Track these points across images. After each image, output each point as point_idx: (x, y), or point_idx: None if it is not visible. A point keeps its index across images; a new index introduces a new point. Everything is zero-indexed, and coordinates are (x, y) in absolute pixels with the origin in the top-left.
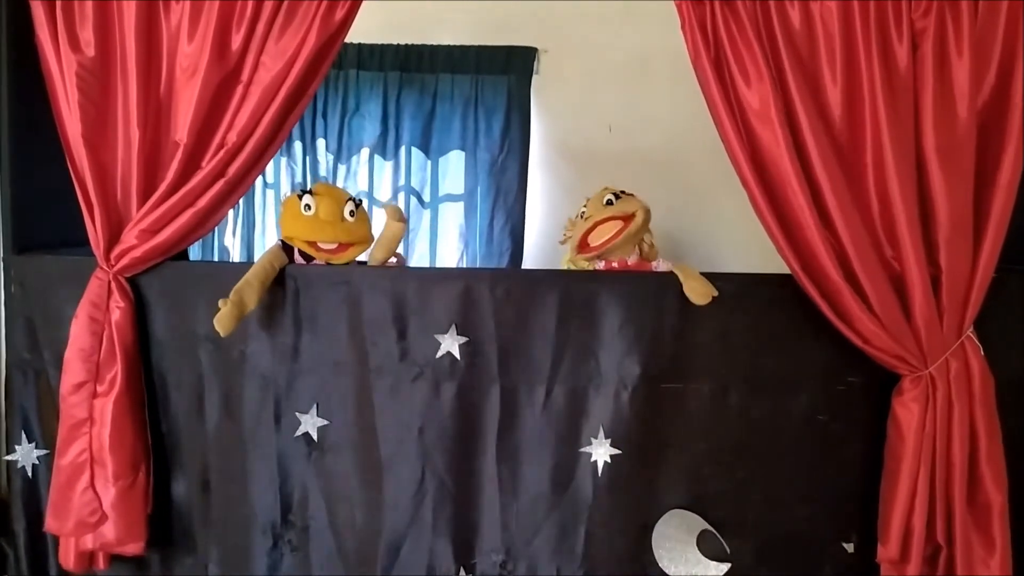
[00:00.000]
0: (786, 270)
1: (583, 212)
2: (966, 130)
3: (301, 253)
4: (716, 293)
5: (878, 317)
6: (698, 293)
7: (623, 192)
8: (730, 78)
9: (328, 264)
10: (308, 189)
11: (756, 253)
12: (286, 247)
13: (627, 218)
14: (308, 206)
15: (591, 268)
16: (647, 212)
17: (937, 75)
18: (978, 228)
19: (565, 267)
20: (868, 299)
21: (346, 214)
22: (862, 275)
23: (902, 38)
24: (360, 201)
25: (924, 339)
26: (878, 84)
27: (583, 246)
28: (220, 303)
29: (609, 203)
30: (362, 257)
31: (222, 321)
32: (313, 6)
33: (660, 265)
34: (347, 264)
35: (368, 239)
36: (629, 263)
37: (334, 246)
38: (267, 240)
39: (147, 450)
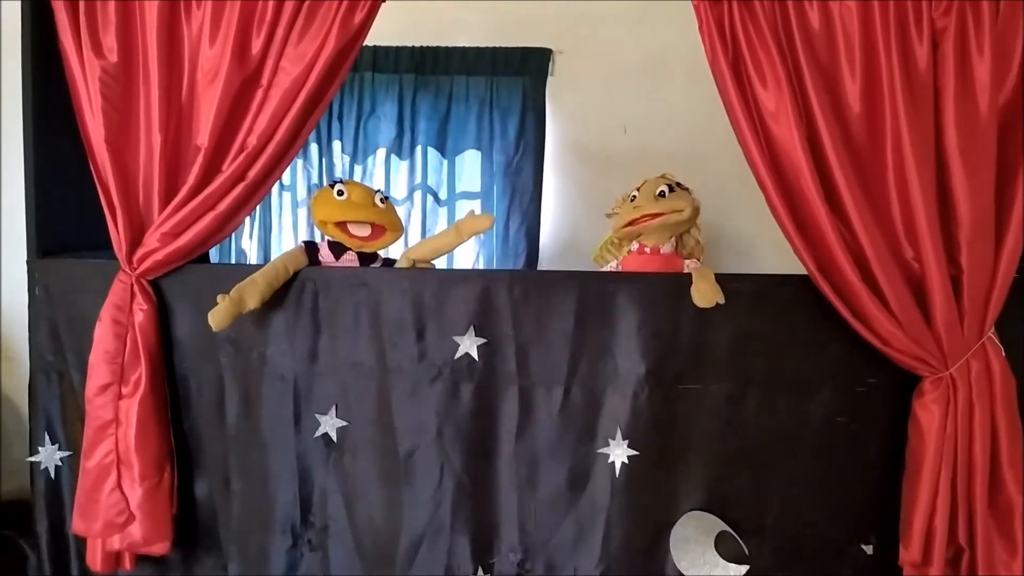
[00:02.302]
0: (803, 271)
1: (634, 195)
2: (987, 129)
3: (331, 245)
4: (723, 301)
5: (897, 318)
6: (704, 296)
7: (679, 185)
8: (747, 79)
9: (360, 252)
10: (340, 180)
11: (773, 254)
12: (310, 250)
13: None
14: (341, 192)
15: (623, 250)
16: (695, 210)
17: (958, 74)
18: (999, 228)
19: (599, 247)
20: (886, 300)
21: (377, 201)
22: (880, 276)
23: (922, 37)
24: (387, 196)
25: (944, 340)
26: (898, 84)
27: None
28: (219, 298)
29: (662, 195)
30: (395, 253)
31: (216, 316)
32: (332, 9)
33: (692, 265)
34: (375, 254)
35: (399, 228)
36: (662, 250)
37: (367, 232)
38: (283, 243)
39: (171, 451)
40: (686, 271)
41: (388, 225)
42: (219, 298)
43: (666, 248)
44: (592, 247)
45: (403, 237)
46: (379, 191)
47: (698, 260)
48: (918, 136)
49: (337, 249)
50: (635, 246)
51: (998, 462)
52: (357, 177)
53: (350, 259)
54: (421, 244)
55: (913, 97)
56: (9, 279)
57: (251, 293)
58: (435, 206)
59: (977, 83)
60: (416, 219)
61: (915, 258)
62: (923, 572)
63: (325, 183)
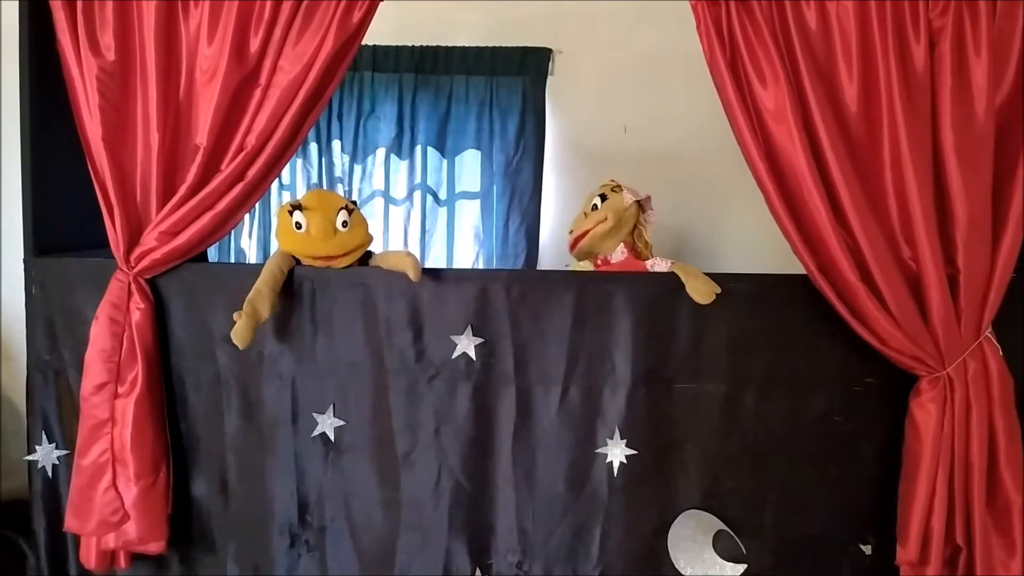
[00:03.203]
0: (802, 271)
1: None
2: (984, 129)
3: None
4: (719, 290)
5: (895, 317)
6: (701, 292)
7: (615, 189)
8: (746, 79)
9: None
10: (298, 203)
11: (772, 253)
12: None
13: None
14: (299, 224)
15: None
16: (618, 214)
17: (955, 74)
18: (996, 227)
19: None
20: (884, 299)
21: (339, 225)
22: (878, 275)
23: (919, 37)
24: (353, 205)
25: (942, 340)
26: (895, 84)
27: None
28: (235, 316)
29: (595, 208)
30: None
31: (239, 334)
32: (331, 9)
33: (657, 264)
34: (349, 267)
35: (366, 240)
36: (611, 260)
37: (326, 256)
38: None
39: (167, 450)
40: (655, 270)
41: (350, 250)
42: (235, 316)
43: (615, 256)
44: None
45: (402, 237)
46: (345, 205)
47: (661, 259)
48: (915, 136)
49: None
50: (599, 261)
51: (996, 462)
52: (356, 178)
53: None
54: (383, 257)
55: (910, 97)
56: (6, 278)
57: (262, 304)
58: (435, 206)
59: (974, 83)
60: (416, 219)
61: (912, 258)
62: (920, 572)
63: (324, 183)
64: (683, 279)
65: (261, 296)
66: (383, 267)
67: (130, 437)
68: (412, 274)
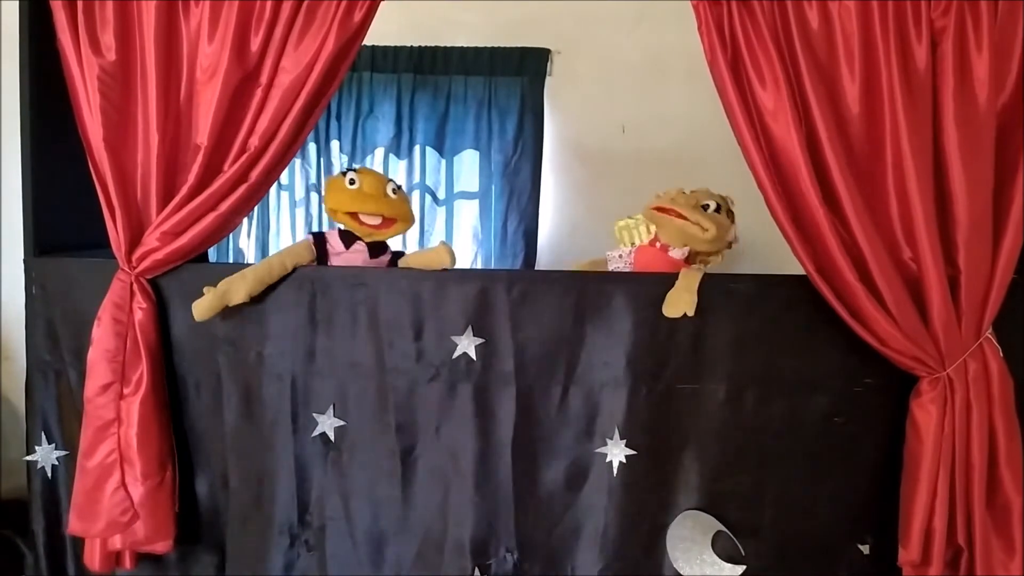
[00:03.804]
0: (802, 271)
1: (686, 191)
2: (986, 130)
3: (342, 234)
4: (691, 313)
5: (894, 318)
6: (673, 305)
7: (729, 208)
8: (746, 79)
9: (372, 249)
10: (353, 168)
11: (772, 254)
12: (318, 241)
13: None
14: (352, 180)
15: (643, 236)
16: (719, 239)
17: (957, 74)
18: (997, 228)
19: (624, 223)
20: (884, 300)
21: (388, 191)
22: (878, 276)
23: (921, 37)
24: (399, 186)
25: (942, 340)
26: (897, 84)
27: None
28: (205, 289)
29: (705, 207)
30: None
31: (199, 307)
32: (331, 9)
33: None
34: (385, 244)
35: (409, 218)
36: (670, 253)
37: (378, 220)
38: (282, 242)
39: (173, 449)
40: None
41: (399, 216)
42: (205, 289)
43: (675, 253)
44: (594, 243)
45: (400, 236)
46: (391, 180)
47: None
48: (917, 136)
49: (347, 238)
50: (653, 234)
51: (996, 462)
52: None
53: (359, 248)
54: (413, 257)
55: (912, 97)
56: (7, 278)
57: (237, 288)
58: (433, 206)
59: (976, 83)
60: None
61: (913, 258)
62: (922, 572)
63: (323, 184)
64: (677, 282)
65: (242, 280)
66: (415, 267)
67: (136, 437)
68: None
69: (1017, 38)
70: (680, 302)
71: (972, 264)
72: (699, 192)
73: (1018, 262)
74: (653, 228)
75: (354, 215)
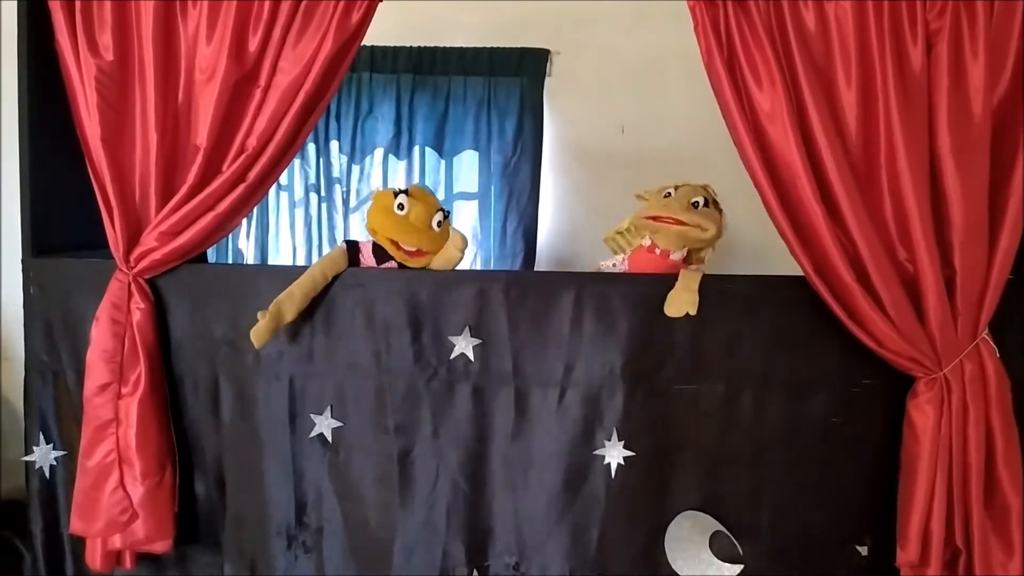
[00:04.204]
0: (800, 272)
1: (670, 192)
2: (981, 130)
3: (375, 248)
4: (693, 312)
5: (891, 319)
6: (675, 305)
7: (715, 202)
8: (743, 80)
9: (402, 265)
10: (405, 189)
11: (769, 255)
12: (351, 249)
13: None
14: (401, 206)
15: (634, 242)
16: (718, 234)
17: (952, 76)
18: (993, 229)
19: (614, 231)
20: (881, 301)
21: (434, 224)
22: (875, 277)
23: (917, 39)
24: (448, 213)
25: (938, 341)
26: (892, 85)
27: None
28: (259, 315)
29: (695, 205)
30: None
31: (258, 334)
32: (330, 9)
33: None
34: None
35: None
36: (671, 257)
37: (414, 249)
38: (281, 243)
39: (172, 449)
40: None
41: (435, 250)
42: (259, 315)
43: (676, 256)
44: (593, 243)
45: None
46: (441, 209)
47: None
48: (912, 137)
49: (379, 253)
50: (647, 242)
51: (993, 463)
52: (355, 178)
53: (391, 266)
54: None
55: (907, 98)
56: (6, 279)
57: (288, 307)
58: None
59: (971, 84)
60: None
61: (909, 259)
62: (921, 573)
63: (323, 184)
64: (677, 282)
65: (291, 299)
66: (437, 266)
67: (135, 437)
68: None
69: (1012, 39)
70: (681, 301)
71: (968, 265)
72: (684, 190)
73: (1014, 262)
74: (647, 233)
75: (395, 242)
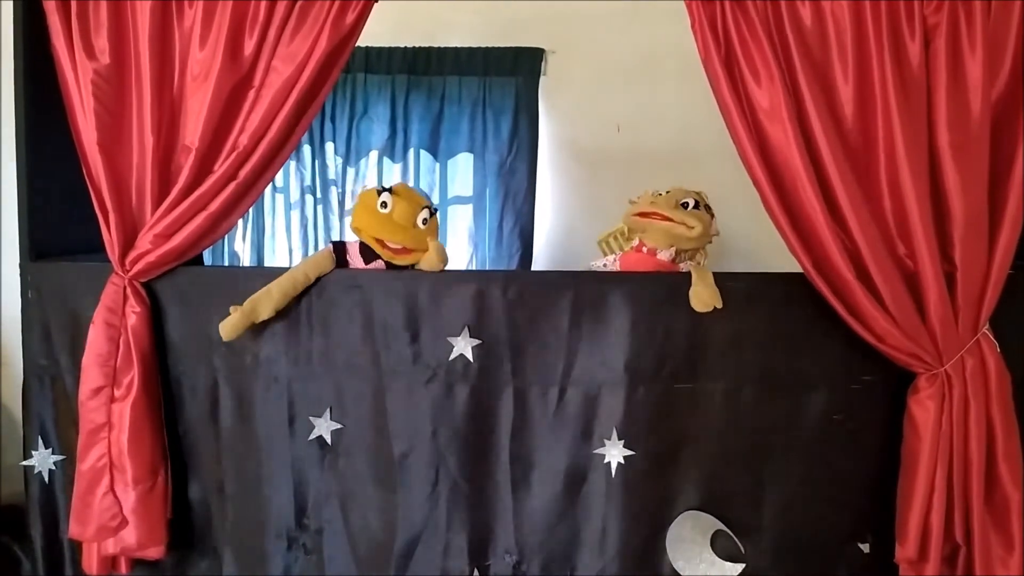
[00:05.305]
0: (799, 269)
1: (661, 193)
2: (980, 126)
3: (362, 248)
4: (720, 304)
5: (892, 315)
6: (701, 300)
7: (708, 208)
8: (740, 77)
9: (389, 264)
10: (389, 187)
11: (768, 252)
12: (338, 250)
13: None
14: (385, 203)
15: (627, 245)
16: (705, 234)
17: (950, 71)
18: (993, 224)
19: (607, 234)
20: (881, 297)
21: (419, 221)
22: (875, 273)
23: (914, 34)
24: (436, 210)
25: (939, 337)
26: (890, 81)
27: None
28: (231, 308)
29: (684, 206)
30: None
31: (226, 327)
32: (324, 9)
33: (685, 266)
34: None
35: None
36: (658, 256)
37: (400, 247)
38: (277, 245)
39: (165, 454)
40: (684, 270)
41: (422, 248)
42: (231, 309)
43: (663, 255)
44: (590, 242)
45: None
46: (427, 206)
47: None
48: (911, 133)
49: (367, 253)
50: (636, 242)
51: (994, 459)
52: (350, 180)
53: (379, 265)
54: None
55: (905, 94)
56: (3, 283)
57: (264, 304)
58: None
59: (969, 80)
60: None
61: (908, 255)
62: (919, 570)
63: (318, 186)
64: (693, 281)
65: (268, 297)
66: (425, 268)
67: (127, 441)
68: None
69: (1010, 34)
70: (706, 298)
71: (968, 260)
72: (674, 191)
73: (1015, 257)
74: (637, 235)
75: (380, 240)
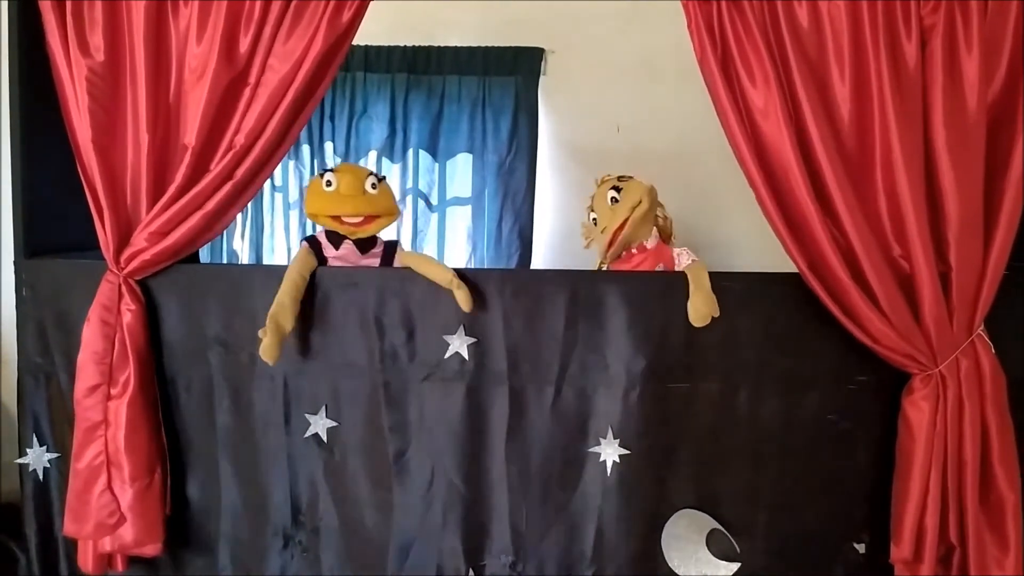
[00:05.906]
0: (794, 269)
1: (594, 218)
2: (976, 126)
3: (328, 235)
4: (717, 314)
5: (886, 316)
6: (699, 315)
7: (620, 179)
8: (736, 77)
9: (358, 244)
10: (330, 168)
11: (765, 252)
12: (313, 245)
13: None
14: (329, 182)
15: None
16: (650, 194)
17: (946, 72)
18: (988, 225)
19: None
20: (876, 298)
21: (367, 187)
22: (870, 273)
23: (911, 35)
24: (383, 177)
25: (934, 337)
26: (887, 82)
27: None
28: (260, 333)
29: (614, 201)
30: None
31: (267, 352)
32: (320, 8)
33: (683, 257)
34: (374, 237)
35: (394, 211)
36: (648, 246)
37: (359, 219)
38: (276, 243)
39: (162, 452)
40: (678, 268)
41: (381, 212)
42: (260, 333)
43: (650, 242)
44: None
45: (394, 238)
46: (372, 174)
47: (687, 252)
48: (906, 133)
49: (334, 238)
50: (633, 249)
51: (989, 459)
52: None
53: (348, 247)
54: (420, 262)
55: (902, 95)
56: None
57: (285, 317)
58: (426, 211)
59: (965, 80)
60: (407, 224)
61: (904, 256)
62: (914, 570)
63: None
64: (691, 291)
65: (283, 309)
66: (415, 269)
67: (124, 439)
68: (464, 305)
69: (1007, 35)
70: (702, 310)
71: (963, 261)
72: (598, 203)
73: (1010, 258)
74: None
75: (335, 217)
